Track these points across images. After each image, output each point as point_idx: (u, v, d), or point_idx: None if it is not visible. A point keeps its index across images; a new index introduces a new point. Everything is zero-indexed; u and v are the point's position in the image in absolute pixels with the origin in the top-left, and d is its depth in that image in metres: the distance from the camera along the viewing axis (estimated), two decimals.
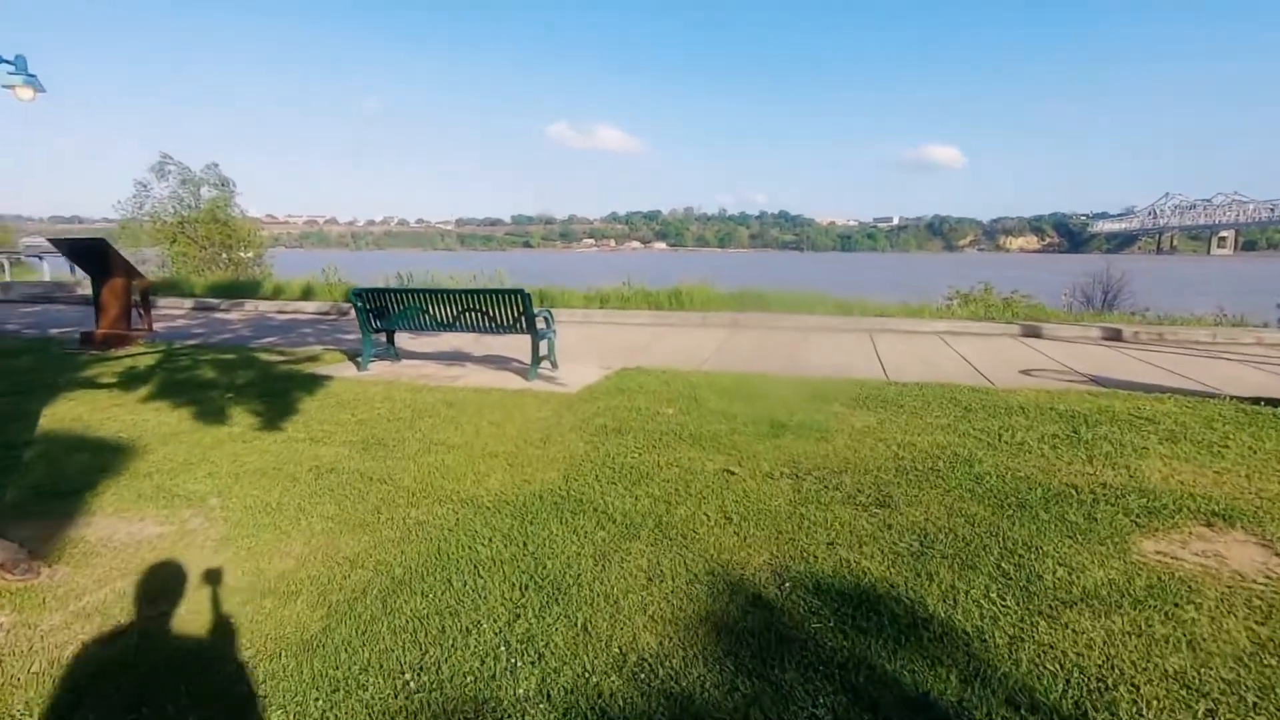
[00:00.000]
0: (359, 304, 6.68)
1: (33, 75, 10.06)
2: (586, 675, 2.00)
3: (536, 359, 6.30)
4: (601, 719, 1.83)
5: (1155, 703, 1.87)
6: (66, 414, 4.88)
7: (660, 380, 6.00)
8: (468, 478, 3.61)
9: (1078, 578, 2.52)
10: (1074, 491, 3.34)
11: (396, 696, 1.92)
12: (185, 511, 3.20)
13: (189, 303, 13.62)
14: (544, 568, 2.63)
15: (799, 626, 2.23)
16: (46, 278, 20.90)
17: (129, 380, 5.95)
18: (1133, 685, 1.94)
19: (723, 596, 2.43)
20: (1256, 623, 2.24)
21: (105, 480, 3.57)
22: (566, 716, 1.84)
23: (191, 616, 2.34)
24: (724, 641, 2.16)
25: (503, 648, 2.13)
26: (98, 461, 3.87)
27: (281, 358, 7.30)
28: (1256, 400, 5.07)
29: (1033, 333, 9.35)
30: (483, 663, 2.06)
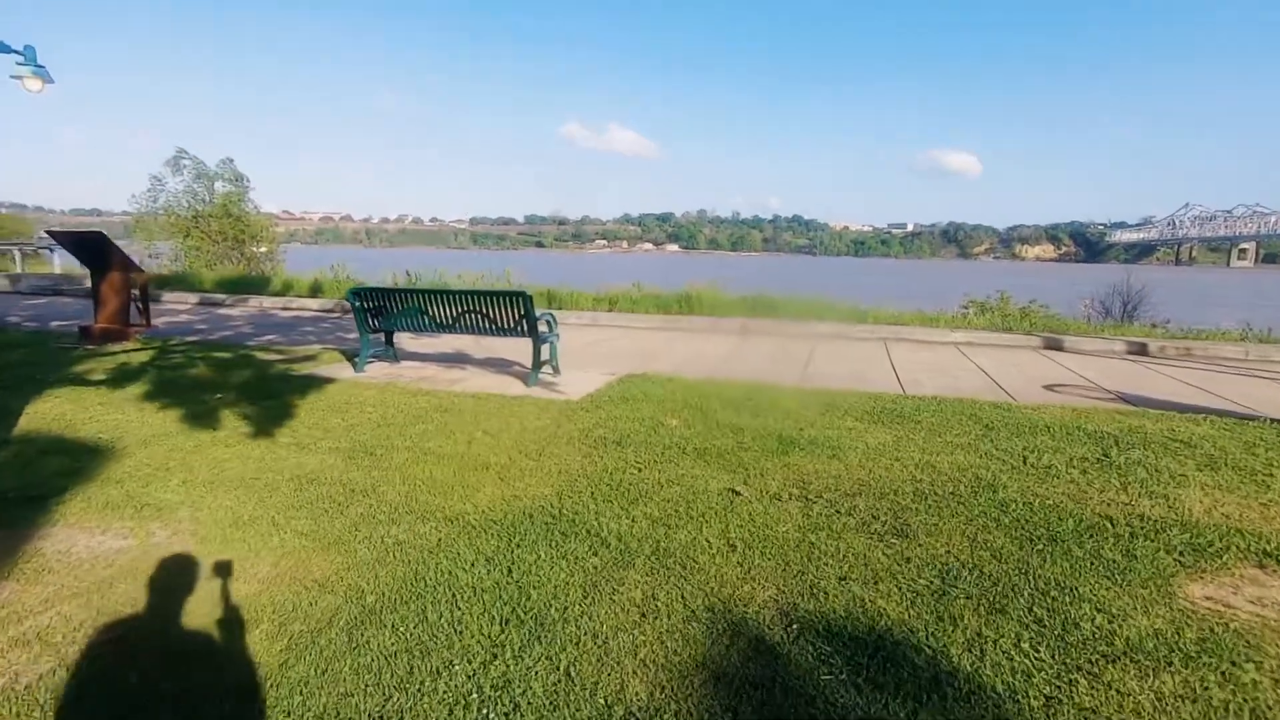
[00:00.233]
0: (357, 303, 6.49)
1: (41, 66, 10.00)
2: None
3: (537, 364, 6.08)
4: None
5: None
6: (49, 412, 4.72)
7: (665, 389, 5.76)
8: (456, 492, 3.40)
9: (1119, 627, 2.26)
10: (1109, 524, 3.07)
11: None
12: (153, 524, 3.00)
13: (194, 298, 13.53)
14: (528, 598, 2.40)
15: (807, 678, 1.99)
16: (56, 270, 20.99)
17: (119, 378, 5.79)
18: None
19: (723, 639, 2.19)
20: None
21: (75, 486, 3.38)
22: None
23: (140, 644, 2.13)
24: (723, 694, 1.93)
25: (475, 694, 1.91)
26: (72, 465, 3.68)
27: (278, 356, 7.12)
28: None
29: (1054, 345, 9.03)
30: (450, 712, 1.84)
